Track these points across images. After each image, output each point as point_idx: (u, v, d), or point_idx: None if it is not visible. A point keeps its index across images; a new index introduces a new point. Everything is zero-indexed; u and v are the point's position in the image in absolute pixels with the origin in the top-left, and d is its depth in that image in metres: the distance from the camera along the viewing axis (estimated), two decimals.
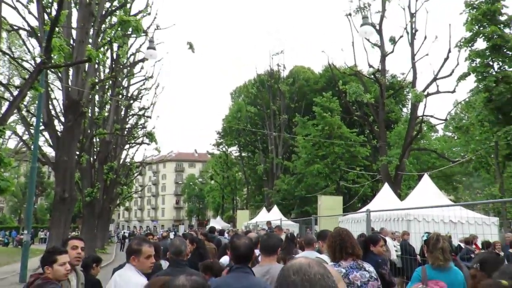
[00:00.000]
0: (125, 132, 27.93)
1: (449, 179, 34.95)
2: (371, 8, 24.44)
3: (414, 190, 15.20)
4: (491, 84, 20.65)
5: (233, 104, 53.47)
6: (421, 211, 11.21)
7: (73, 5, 14.89)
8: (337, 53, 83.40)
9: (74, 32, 14.01)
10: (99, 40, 15.18)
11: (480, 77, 21.71)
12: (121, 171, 29.62)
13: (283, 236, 8.11)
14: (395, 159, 22.17)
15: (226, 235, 13.00)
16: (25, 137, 22.49)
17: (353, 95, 21.50)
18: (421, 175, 17.61)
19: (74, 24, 14.25)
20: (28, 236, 13.77)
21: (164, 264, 5.00)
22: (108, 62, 22.35)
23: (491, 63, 21.71)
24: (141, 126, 30.84)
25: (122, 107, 26.94)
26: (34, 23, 14.30)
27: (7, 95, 16.95)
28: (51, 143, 15.32)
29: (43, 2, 13.47)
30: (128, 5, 17.44)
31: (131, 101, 27.93)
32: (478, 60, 21.86)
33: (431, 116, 24.42)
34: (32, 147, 14.62)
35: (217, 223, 34.31)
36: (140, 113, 29.56)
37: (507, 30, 21.61)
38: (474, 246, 10.01)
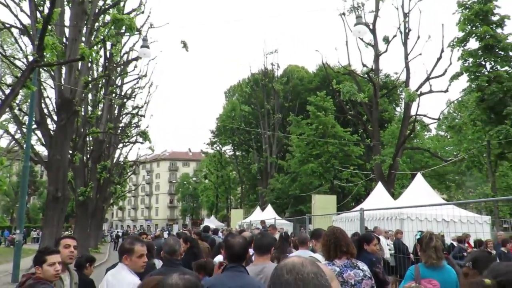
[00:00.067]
0: (119, 131, 27.80)
1: (442, 178, 35.20)
2: (365, 8, 24.55)
3: (407, 189, 15.28)
4: (484, 83, 20.84)
5: (227, 103, 53.39)
6: (414, 210, 11.26)
7: (66, 3, 14.75)
8: (331, 52, 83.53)
9: (67, 30, 13.88)
10: (92, 38, 15.07)
11: (472, 76, 21.91)
12: (115, 170, 29.50)
13: (277, 235, 8.10)
14: (389, 158, 22.26)
15: (220, 234, 12.99)
16: (18, 136, 22.31)
17: (347, 94, 21.55)
18: (414, 174, 17.72)
19: (67, 22, 14.11)
20: (21, 236, 13.70)
21: (158, 263, 4.99)
22: (102, 60, 22.28)
23: (483, 63, 21.91)
24: (134, 125, 30.79)
25: (115, 105, 26.82)
26: (27, 21, 14.21)
27: None
28: (44, 142, 15.18)
29: (36, 0, 13.35)
30: (122, 3, 17.32)
31: (125, 100, 27.78)
32: (470, 60, 22.06)
33: (424, 116, 24.79)
34: (25, 146, 14.52)
35: (211, 222, 34.25)
36: (134, 112, 29.49)
37: (499, 30, 21.81)
38: (466, 245, 10.10)
